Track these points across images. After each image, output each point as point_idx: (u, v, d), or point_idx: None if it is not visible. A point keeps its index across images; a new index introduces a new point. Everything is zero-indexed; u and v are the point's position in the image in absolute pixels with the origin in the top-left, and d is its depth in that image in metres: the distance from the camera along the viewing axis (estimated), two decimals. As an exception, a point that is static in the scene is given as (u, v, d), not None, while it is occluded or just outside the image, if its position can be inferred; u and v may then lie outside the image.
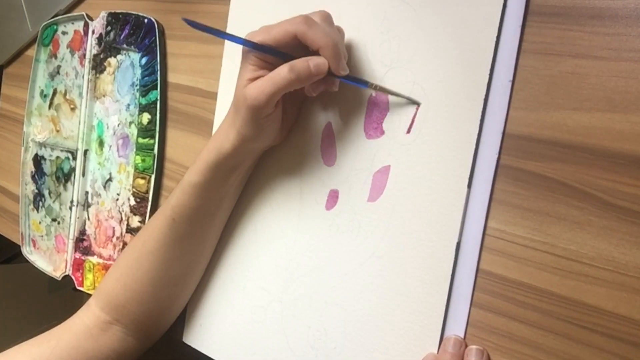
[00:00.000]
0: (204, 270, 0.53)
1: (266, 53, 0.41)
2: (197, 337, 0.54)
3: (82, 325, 0.50)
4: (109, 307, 0.50)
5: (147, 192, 0.58)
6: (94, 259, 0.63)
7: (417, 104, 0.41)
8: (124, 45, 0.61)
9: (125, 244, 0.60)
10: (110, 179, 0.63)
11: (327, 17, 0.41)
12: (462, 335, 0.39)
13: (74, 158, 0.65)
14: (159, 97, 0.57)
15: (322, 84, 0.42)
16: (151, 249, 0.48)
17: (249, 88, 0.41)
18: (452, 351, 0.38)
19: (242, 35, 0.41)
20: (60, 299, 1.15)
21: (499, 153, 0.38)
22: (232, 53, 0.52)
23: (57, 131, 0.69)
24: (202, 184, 0.45)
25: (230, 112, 0.44)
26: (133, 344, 0.51)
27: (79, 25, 0.65)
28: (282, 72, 0.40)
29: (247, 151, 0.45)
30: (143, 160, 0.59)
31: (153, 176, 0.58)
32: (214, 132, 0.53)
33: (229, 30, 0.52)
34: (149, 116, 0.58)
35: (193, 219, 0.47)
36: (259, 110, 0.41)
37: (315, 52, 0.40)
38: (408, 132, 0.42)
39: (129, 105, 0.61)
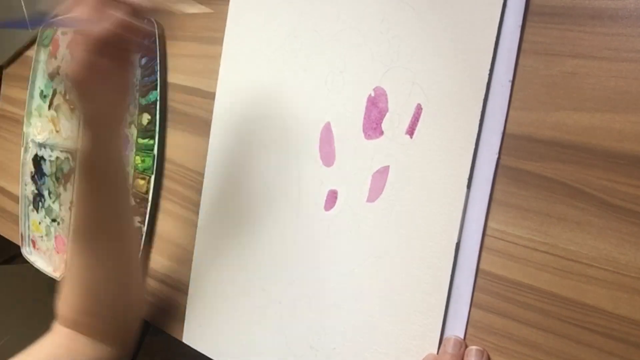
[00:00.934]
0: (137, 266, 0.53)
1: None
2: (197, 337, 0.54)
3: (53, 341, 0.50)
4: (67, 323, 0.50)
5: (147, 192, 0.58)
6: (93, 259, 0.63)
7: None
8: (124, 46, 0.60)
9: (125, 244, 0.60)
10: (110, 179, 0.63)
11: None
12: (462, 336, 0.39)
13: (74, 158, 0.65)
14: (158, 98, 0.57)
15: (131, 34, 0.40)
16: (73, 264, 0.49)
17: (66, 67, 0.42)
18: (452, 352, 0.38)
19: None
20: (60, 299, 1.15)
21: (499, 153, 0.38)
22: (232, 53, 0.52)
23: (57, 131, 0.69)
24: (82, 194, 0.46)
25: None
26: (108, 351, 0.51)
27: (79, 26, 0.65)
28: (90, 31, 0.38)
29: (97, 134, 0.43)
30: (143, 161, 0.59)
31: (153, 177, 0.58)
32: (212, 132, 0.53)
33: (228, 31, 0.52)
34: (149, 116, 0.58)
35: (90, 228, 0.47)
36: (81, 90, 0.41)
37: None
38: (407, 132, 0.41)
39: (128, 105, 0.60)
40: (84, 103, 0.42)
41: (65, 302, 0.50)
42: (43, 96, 0.70)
